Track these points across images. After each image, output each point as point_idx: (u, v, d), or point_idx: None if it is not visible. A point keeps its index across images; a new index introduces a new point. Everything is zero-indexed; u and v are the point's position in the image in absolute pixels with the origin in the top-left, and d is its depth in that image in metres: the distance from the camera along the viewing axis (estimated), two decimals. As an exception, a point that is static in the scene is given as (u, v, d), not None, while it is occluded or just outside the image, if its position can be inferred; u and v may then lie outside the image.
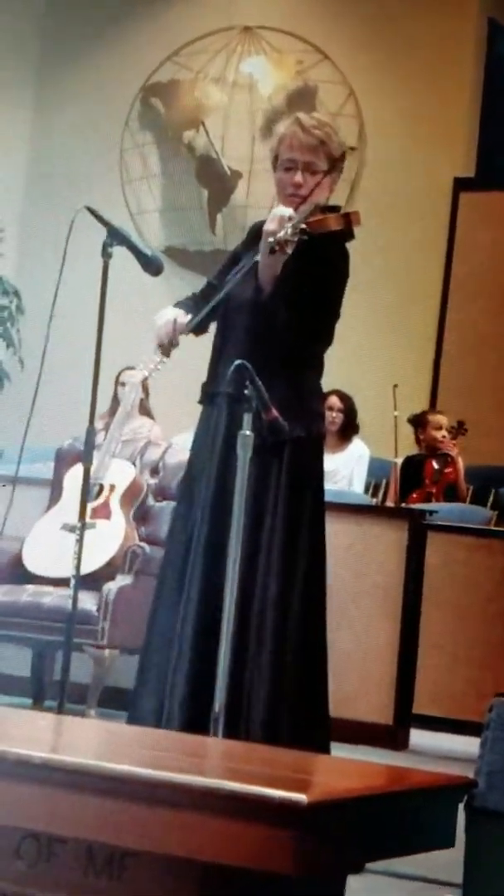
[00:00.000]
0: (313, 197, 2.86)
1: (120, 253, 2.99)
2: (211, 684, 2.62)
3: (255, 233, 2.95)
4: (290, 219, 2.75)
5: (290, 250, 2.74)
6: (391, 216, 6.83)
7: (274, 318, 2.82)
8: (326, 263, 2.86)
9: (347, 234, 2.89)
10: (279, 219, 2.76)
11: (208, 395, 2.94)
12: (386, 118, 6.96)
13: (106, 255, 2.96)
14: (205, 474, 2.88)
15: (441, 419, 5.92)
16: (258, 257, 2.88)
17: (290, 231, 2.72)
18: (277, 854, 1.70)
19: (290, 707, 2.80)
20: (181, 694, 2.78)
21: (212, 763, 2.10)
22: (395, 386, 5.67)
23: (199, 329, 3.00)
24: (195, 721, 2.70)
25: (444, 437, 5.84)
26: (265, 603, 2.81)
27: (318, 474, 2.94)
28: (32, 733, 2.16)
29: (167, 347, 2.94)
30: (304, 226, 2.75)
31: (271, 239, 2.73)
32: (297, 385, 2.87)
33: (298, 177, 2.88)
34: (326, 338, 2.94)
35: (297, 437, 2.82)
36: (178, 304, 3.02)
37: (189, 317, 2.94)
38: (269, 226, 2.77)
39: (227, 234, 6.94)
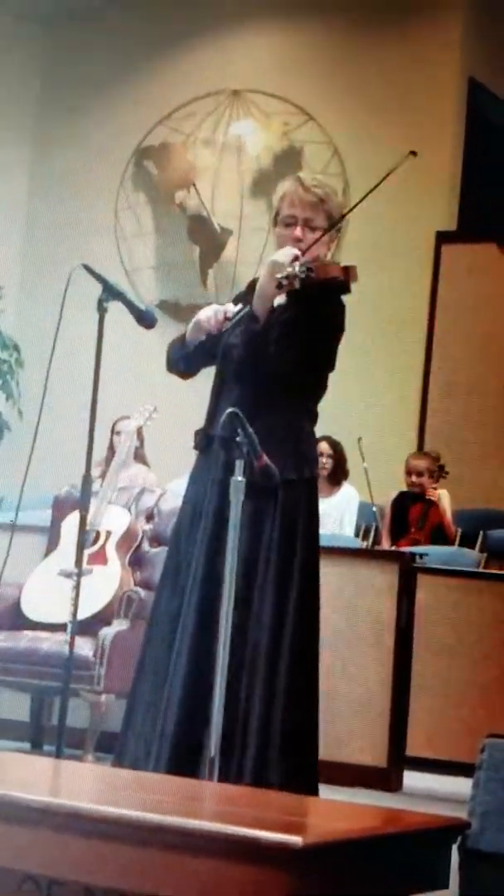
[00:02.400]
0: (312, 252, 2.94)
1: (115, 307, 3.06)
2: (200, 728, 2.65)
3: (251, 287, 3.04)
4: (296, 258, 2.84)
5: (297, 285, 2.81)
6: (375, 269, 6.91)
7: (265, 350, 2.87)
8: (323, 312, 2.93)
9: (345, 286, 2.97)
10: (290, 256, 2.84)
11: (206, 438, 3.00)
12: (370, 175, 7.03)
13: (101, 310, 3.04)
14: (202, 516, 2.92)
15: (417, 464, 5.95)
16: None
17: (297, 268, 2.81)
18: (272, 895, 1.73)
19: (281, 751, 2.82)
20: (170, 736, 2.80)
21: (207, 806, 2.13)
22: (360, 439, 5.76)
23: (190, 370, 3.06)
24: (183, 764, 2.73)
25: (413, 481, 5.90)
26: (258, 647, 2.84)
27: (310, 516, 2.96)
28: (31, 777, 2.19)
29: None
30: (310, 265, 2.84)
31: (280, 274, 2.81)
32: (291, 429, 2.91)
33: (298, 231, 2.96)
34: (318, 384, 3.00)
35: (289, 479, 2.88)
36: (172, 343, 3.09)
37: (237, 308, 2.96)
38: (280, 258, 2.85)
39: (218, 289, 7.08)
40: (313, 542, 2.96)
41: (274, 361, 2.88)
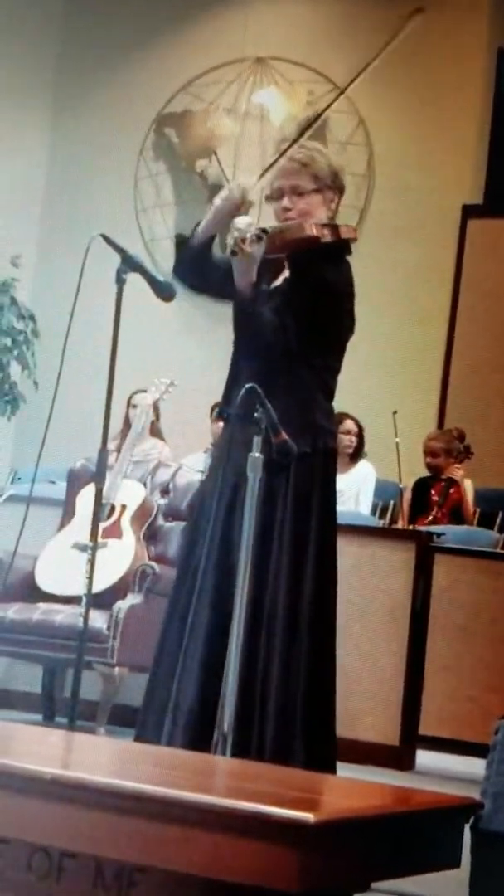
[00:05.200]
0: (310, 216, 2.91)
1: (134, 279, 3.04)
2: (217, 702, 2.65)
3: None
4: (249, 225, 2.82)
5: (248, 248, 2.77)
6: (400, 242, 6.88)
7: (254, 317, 2.84)
8: (318, 277, 2.89)
9: (337, 246, 2.92)
10: (237, 226, 2.83)
11: (221, 414, 2.99)
12: (395, 146, 7.02)
13: (120, 282, 3.01)
14: (215, 495, 2.91)
15: (433, 444, 5.90)
16: (274, 284, 2.93)
17: (251, 232, 2.78)
18: (283, 872, 1.72)
19: (301, 726, 2.81)
20: (186, 711, 2.80)
21: (219, 781, 2.12)
22: (395, 412, 5.71)
23: (196, 282, 3.00)
24: (199, 739, 2.73)
25: (429, 462, 5.85)
26: (274, 622, 2.83)
27: (326, 489, 2.93)
28: (43, 749, 2.19)
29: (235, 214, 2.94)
30: (264, 228, 2.82)
31: (230, 241, 2.80)
32: (306, 402, 2.89)
33: (286, 201, 2.95)
34: (331, 353, 2.96)
35: (303, 452, 2.85)
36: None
37: (257, 181, 2.95)
38: (230, 235, 2.83)
39: (237, 260, 7.02)
40: (330, 516, 2.94)
41: (274, 335, 2.85)
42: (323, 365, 2.95)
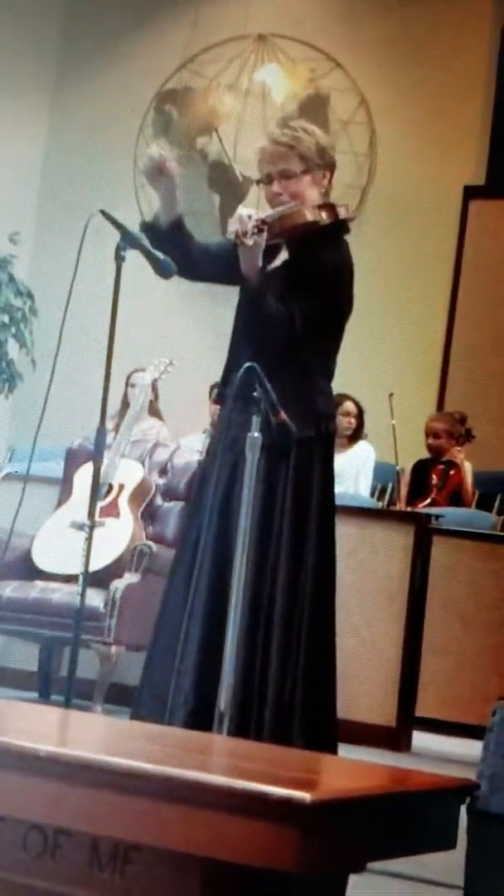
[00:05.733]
0: (302, 198, 2.90)
1: (133, 257, 3.02)
2: (216, 682, 2.65)
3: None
4: (249, 217, 2.81)
5: (249, 242, 2.77)
6: (401, 222, 6.85)
7: (260, 307, 2.84)
8: (316, 260, 2.89)
9: (334, 227, 2.91)
10: (238, 218, 2.82)
11: (220, 396, 2.98)
12: (397, 126, 6.99)
13: (119, 259, 2.99)
14: (213, 475, 2.91)
15: (434, 425, 5.88)
16: (270, 267, 2.92)
17: (250, 224, 2.79)
18: (280, 851, 1.72)
19: (301, 707, 2.82)
20: (185, 691, 2.80)
21: (217, 760, 2.12)
22: (391, 395, 5.69)
23: (190, 269, 2.98)
24: (198, 718, 2.73)
25: (431, 443, 5.82)
26: (274, 604, 2.83)
27: (326, 473, 2.95)
28: (40, 727, 2.18)
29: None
30: (264, 218, 2.82)
31: (230, 234, 2.80)
32: (302, 383, 2.89)
33: (276, 186, 2.96)
34: (330, 336, 2.95)
35: (306, 437, 2.85)
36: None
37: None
38: (231, 226, 2.83)
39: (238, 238, 6.98)
40: (329, 499, 2.95)
41: (281, 323, 2.84)
42: (324, 348, 2.95)
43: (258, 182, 3.03)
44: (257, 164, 3.02)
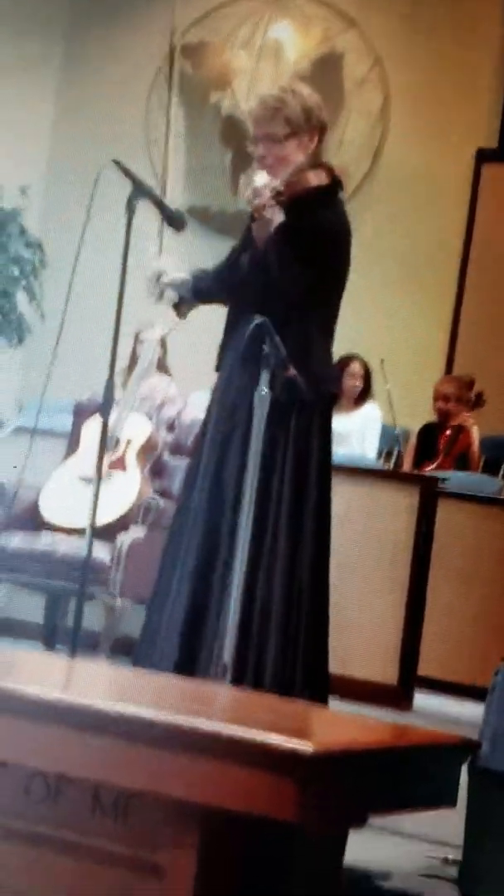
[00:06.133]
0: (287, 162, 2.90)
1: (143, 212, 2.99)
2: (202, 637, 2.69)
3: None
4: (264, 187, 2.83)
5: (268, 215, 2.80)
6: (413, 185, 6.79)
7: (271, 272, 2.85)
8: (314, 223, 2.89)
9: (331, 188, 2.92)
10: (253, 190, 2.85)
11: (221, 358, 3.00)
12: (412, 87, 6.91)
13: (130, 210, 2.97)
14: (209, 434, 2.93)
15: (443, 389, 5.83)
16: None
17: (266, 196, 2.82)
18: (280, 801, 1.73)
19: (303, 660, 2.85)
20: (172, 645, 2.84)
21: (220, 709, 2.13)
22: (382, 361, 5.66)
23: (191, 305, 3.08)
24: (182, 671, 2.76)
25: (440, 407, 5.79)
26: (274, 566, 2.85)
27: (324, 437, 2.98)
28: (43, 674, 2.19)
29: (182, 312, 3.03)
30: (279, 188, 2.83)
31: (251, 208, 2.83)
32: (304, 347, 2.88)
33: (261, 149, 2.95)
34: (330, 298, 2.95)
35: (305, 400, 2.85)
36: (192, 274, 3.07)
37: (180, 277, 3.00)
38: (247, 196, 2.87)
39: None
40: (327, 464, 2.98)
41: (278, 282, 2.85)
42: (322, 312, 2.95)
43: (250, 143, 3.04)
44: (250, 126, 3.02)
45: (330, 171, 2.90)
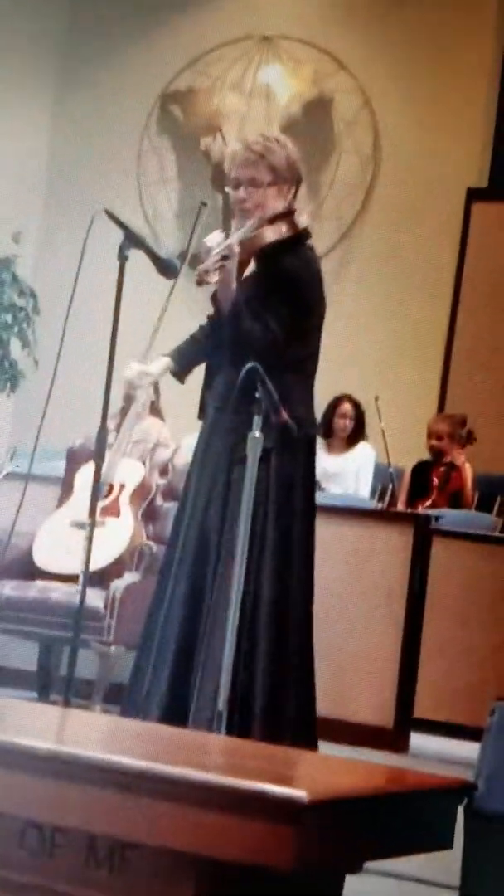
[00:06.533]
0: (264, 209, 2.94)
1: (136, 256, 3.03)
2: (189, 683, 2.69)
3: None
4: (208, 251, 2.86)
5: (212, 279, 2.85)
6: (404, 224, 6.85)
7: (238, 330, 2.89)
8: (282, 271, 2.93)
9: (298, 237, 2.95)
10: (206, 250, 2.89)
11: (201, 408, 3.03)
12: (401, 128, 6.99)
13: (122, 258, 3.00)
14: (193, 482, 2.94)
15: (437, 427, 5.87)
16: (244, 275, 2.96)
17: (210, 262, 2.84)
18: (276, 850, 1.72)
19: (288, 702, 2.85)
20: (160, 691, 2.84)
21: (213, 758, 2.12)
22: (377, 398, 5.68)
23: (184, 373, 3.14)
24: (170, 717, 2.76)
25: (433, 445, 5.82)
26: (259, 605, 2.86)
27: (307, 477, 3.00)
28: (38, 725, 2.19)
29: (130, 398, 3.11)
30: (225, 253, 2.86)
31: (197, 272, 2.86)
32: (284, 392, 2.89)
33: (241, 192, 2.99)
34: (296, 342, 2.97)
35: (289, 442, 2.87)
36: (175, 351, 3.14)
37: (158, 366, 3.13)
38: (202, 258, 2.90)
39: (240, 239, 6.99)
40: (311, 503, 3.01)
41: (261, 340, 2.89)
42: (301, 354, 2.97)
43: (225, 185, 3.07)
44: (227, 167, 3.04)
45: (292, 224, 2.94)
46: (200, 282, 2.86)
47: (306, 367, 2.99)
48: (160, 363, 3.12)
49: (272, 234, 2.92)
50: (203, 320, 3.26)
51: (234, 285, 2.89)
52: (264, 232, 2.93)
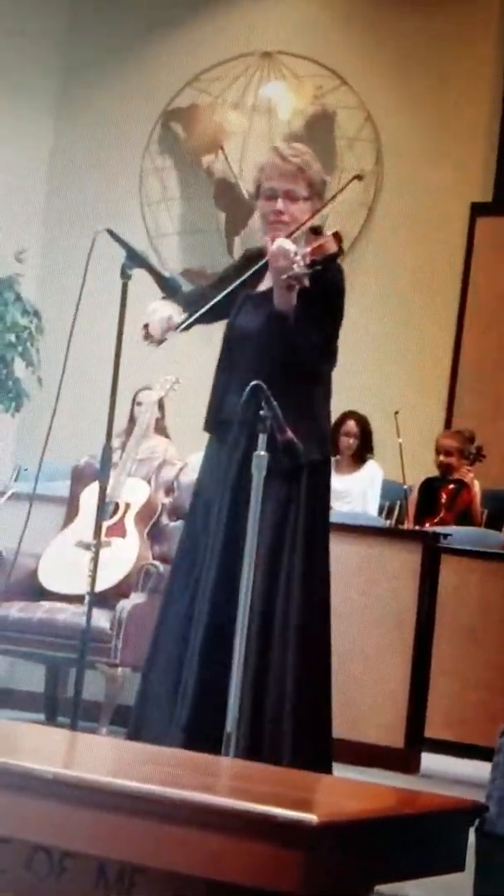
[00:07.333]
0: (296, 222, 2.93)
1: (139, 274, 3.02)
2: (215, 704, 2.65)
3: (248, 259, 3.02)
4: (295, 253, 2.80)
5: (307, 283, 2.80)
6: (408, 240, 6.85)
7: (293, 341, 2.86)
8: (329, 284, 2.92)
9: (340, 252, 2.97)
10: (285, 254, 2.80)
11: (217, 422, 2.96)
12: (403, 143, 7.00)
13: (125, 277, 3.00)
14: (217, 499, 2.90)
15: (446, 443, 5.85)
16: (262, 287, 2.93)
17: (302, 265, 2.79)
18: (286, 874, 1.71)
19: (310, 730, 2.82)
20: (185, 711, 2.80)
21: (222, 782, 2.11)
22: (396, 413, 5.66)
23: (187, 328, 3.07)
24: (193, 738, 2.73)
25: (441, 461, 5.80)
26: (287, 624, 2.83)
27: (328, 497, 3.00)
28: (45, 749, 2.17)
29: (156, 340, 3.01)
30: (313, 257, 2.82)
31: (285, 276, 2.79)
32: (309, 408, 2.90)
33: (280, 204, 2.95)
34: (332, 356, 2.98)
35: (314, 460, 2.85)
36: (177, 297, 3.06)
37: (183, 316, 3.00)
38: (279, 262, 2.81)
39: (244, 256, 6.99)
40: (328, 523, 2.99)
41: (300, 351, 2.86)
42: (326, 370, 2.96)
43: (256, 194, 3.02)
44: (259, 176, 3.01)
45: (337, 237, 2.93)
46: (290, 287, 2.80)
47: (329, 386, 2.98)
48: (170, 307, 3.02)
49: (332, 245, 2.90)
50: (204, 337, 3.23)
51: (296, 296, 2.86)
52: (327, 244, 2.90)
